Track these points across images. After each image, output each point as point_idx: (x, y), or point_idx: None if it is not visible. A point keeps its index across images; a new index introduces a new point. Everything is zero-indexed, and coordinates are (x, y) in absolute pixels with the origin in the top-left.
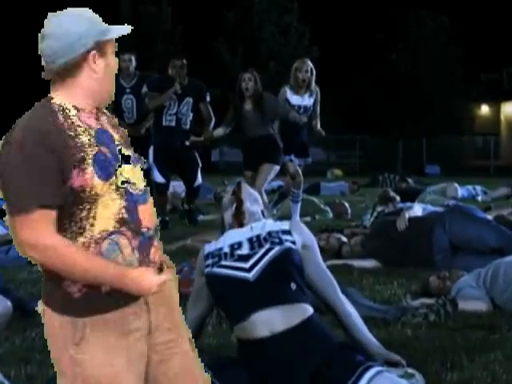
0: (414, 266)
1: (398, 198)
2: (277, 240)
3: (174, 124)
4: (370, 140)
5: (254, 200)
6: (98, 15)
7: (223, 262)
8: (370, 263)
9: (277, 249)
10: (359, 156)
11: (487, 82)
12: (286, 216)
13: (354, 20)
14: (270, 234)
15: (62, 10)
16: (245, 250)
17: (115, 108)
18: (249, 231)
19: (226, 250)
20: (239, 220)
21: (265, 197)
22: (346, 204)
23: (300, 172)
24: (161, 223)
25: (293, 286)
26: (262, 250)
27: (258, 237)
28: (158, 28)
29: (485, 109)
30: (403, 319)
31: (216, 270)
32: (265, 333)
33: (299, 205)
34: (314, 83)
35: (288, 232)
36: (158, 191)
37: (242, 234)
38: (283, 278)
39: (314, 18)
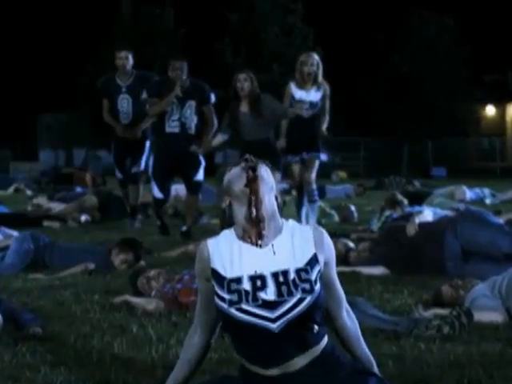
0: (424, 274)
1: (405, 202)
2: (308, 286)
3: (178, 130)
4: (375, 142)
5: (270, 189)
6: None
7: (244, 306)
8: (378, 270)
9: (308, 299)
10: (364, 158)
11: (492, 83)
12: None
13: (358, 21)
14: (299, 273)
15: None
16: (270, 294)
17: (111, 108)
18: (271, 256)
19: (247, 285)
20: (258, 230)
21: None
22: (352, 207)
23: (296, 174)
24: (161, 229)
25: (316, 328)
26: (292, 301)
27: (285, 275)
28: (160, 29)
29: (490, 110)
30: (415, 332)
31: (235, 312)
32: (276, 372)
33: (304, 208)
34: (321, 77)
35: (315, 259)
36: (156, 205)
37: (265, 261)
38: (309, 325)
39: (317, 18)
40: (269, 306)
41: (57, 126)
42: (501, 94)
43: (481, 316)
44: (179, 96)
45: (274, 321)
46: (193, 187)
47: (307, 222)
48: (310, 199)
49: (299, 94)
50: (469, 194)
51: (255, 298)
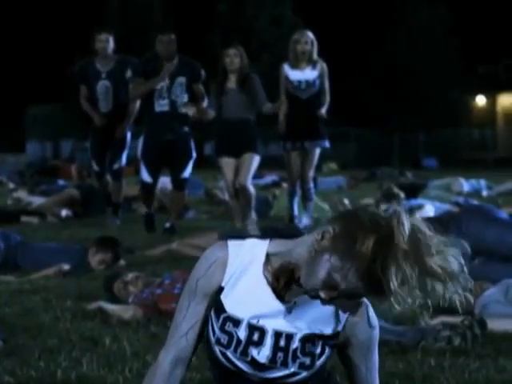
0: None
1: (402, 195)
2: (308, 361)
3: (167, 108)
4: (366, 133)
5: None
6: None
7: (230, 355)
8: None
9: (303, 375)
10: (354, 149)
11: (483, 73)
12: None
13: (349, 10)
14: (304, 343)
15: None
16: (262, 356)
17: (89, 94)
18: (284, 313)
19: (242, 333)
20: (281, 293)
21: (252, 190)
22: (346, 201)
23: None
24: (146, 219)
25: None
26: (284, 372)
27: (288, 340)
28: (149, 18)
29: (481, 100)
30: (423, 344)
31: (218, 353)
32: None
33: (296, 199)
34: (316, 55)
35: (334, 336)
36: (144, 190)
37: (273, 315)
38: None
39: (307, 8)
40: (256, 366)
41: (44, 117)
42: (491, 84)
43: (494, 324)
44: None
45: (257, 381)
46: (179, 184)
47: (299, 215)
48: (306, 197)
49: (293, 73)
50: (465, 185)
51: (245, 352)
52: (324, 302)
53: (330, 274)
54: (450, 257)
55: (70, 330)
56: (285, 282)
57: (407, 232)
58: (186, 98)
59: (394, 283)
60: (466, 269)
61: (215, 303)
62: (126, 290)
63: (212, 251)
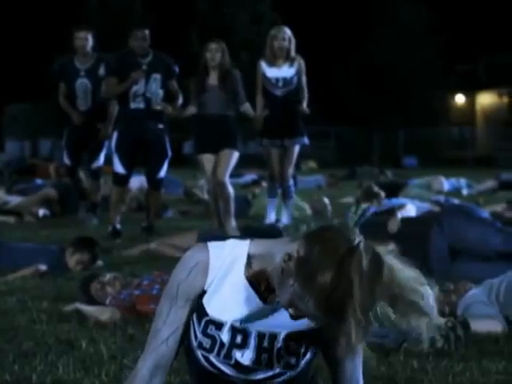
0: None
1: (382, 194)
2: (293, 361)
3: (143, 106)
4: (345, 131)
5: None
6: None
7: (212, 359)
8: None
9: (288, 374)
10: (334, 147)
11: (463, 72)
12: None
13: (330, 8)
14: (288, 343)
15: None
16: (246, 359)
17: (68, 94)
18: (266, 311)
19: (225, 336)
20: (263, 294)
21: (230, 188)
22: (326, 200)
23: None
24: (114, 232)
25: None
26: (268, 373)
27: (272, 340)
28: (129, 16)
29: (460, 99)
30: (405, 346)
31: (201, 357)
32: None
33: (274, 201)
34: (293, 53)
35: (319, 331)
36: (117, 183)
37: (257, 311)
38: None
39: (287, 6)
40: (240, 369)
41: (23, 116)
42: (470, 82)
43: (477, 325)
44: (143, 75)
45: (242, 379)
46: (155, 184)
47: (277, 216)
48: (285, 196)
49: (270, 71)
50: (445, 184)
51: (228, 356)
52: (293, 318)
53: (292, 299)
54: (417, 293)
55: (45, 333)
56: (265, 287)
57: (368, 267)
58: (161, 94)
59: (354, 315)
60: (435, 307)
61: (197, 307)
62: (104, 291)
63: (192, 254)
